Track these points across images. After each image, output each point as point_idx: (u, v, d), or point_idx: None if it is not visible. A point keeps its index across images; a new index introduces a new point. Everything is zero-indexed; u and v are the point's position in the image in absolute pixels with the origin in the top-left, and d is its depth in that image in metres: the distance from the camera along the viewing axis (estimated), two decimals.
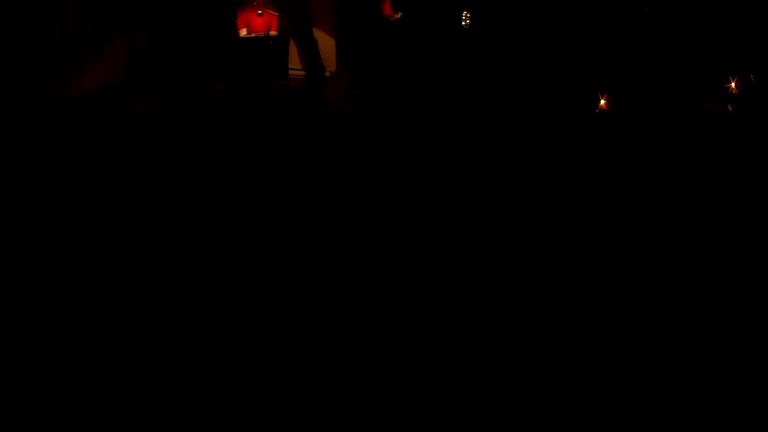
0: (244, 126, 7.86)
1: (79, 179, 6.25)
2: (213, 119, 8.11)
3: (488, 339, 3.92)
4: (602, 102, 8.07)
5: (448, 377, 3.54)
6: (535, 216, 5.75)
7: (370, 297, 4.35)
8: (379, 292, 4.40)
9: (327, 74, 9.66)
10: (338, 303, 4.21)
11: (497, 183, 6.36)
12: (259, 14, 9.25)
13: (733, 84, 7.63)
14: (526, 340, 3.93)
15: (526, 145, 7.34)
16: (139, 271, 4.58)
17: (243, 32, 9.28)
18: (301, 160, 6.85)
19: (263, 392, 3.41)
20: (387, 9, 10.17)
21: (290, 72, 9.54)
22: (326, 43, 9.84)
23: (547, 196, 6.18)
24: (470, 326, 4.04)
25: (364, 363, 3.65)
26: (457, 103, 8.68)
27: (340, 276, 4.57)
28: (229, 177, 6.38)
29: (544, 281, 4.68)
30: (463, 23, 9.89)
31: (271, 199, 5.93)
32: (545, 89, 8.93)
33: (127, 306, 4.17)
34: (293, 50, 9.73)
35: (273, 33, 9.41)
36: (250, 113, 8.34)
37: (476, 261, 4.95)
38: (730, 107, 7.73)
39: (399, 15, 10.19)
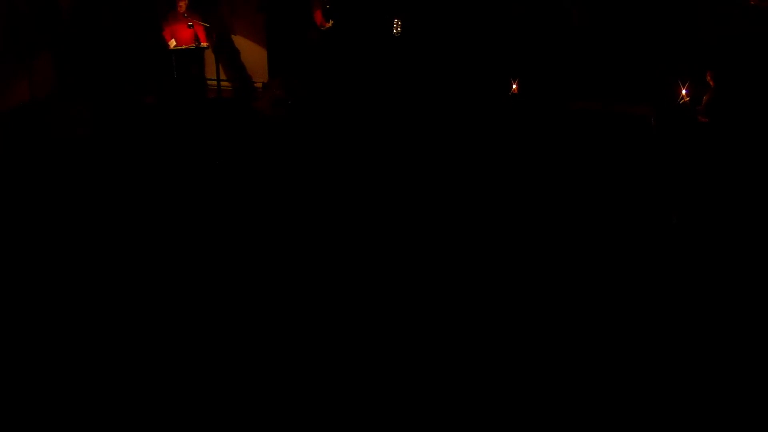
0: (176, 138, 8.59)
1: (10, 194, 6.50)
2: (145, 132, 8.76)
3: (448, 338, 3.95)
4: (514, 87, 9.74)
5: (447, 377, 3.53)
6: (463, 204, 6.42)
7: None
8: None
9: (259, 85, 10.29)
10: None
11: (432, 185, 6.86)
12: (190, 26, 9.39)
13: (684, 91, 7.88)
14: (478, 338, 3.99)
15: (456, 143, 8.21)
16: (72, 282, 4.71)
17: (172, 44, 9.53)
18: (234, 170, 7.30)
19: (263, 392, 3.40)
20: (318, 18, 9.93)
21: (222, 83, 10.12)
22: (258, 55, 10.15)
23: (478, 183, 7.01)
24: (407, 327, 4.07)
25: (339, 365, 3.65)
26: (390, 109, 9.45)
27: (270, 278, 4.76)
28: (165, 188, 6.67)
29: (454, 266, 5.10)
30: (395, 31, 9.95)
31: (204, 207, 6.21)
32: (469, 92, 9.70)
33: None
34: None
35: (204, 44, 9.65)
36: (182, 125, 9.08)
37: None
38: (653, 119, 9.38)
39: (330, 24, 10.02)
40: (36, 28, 9.08)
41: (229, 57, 9.74)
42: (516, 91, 8.53)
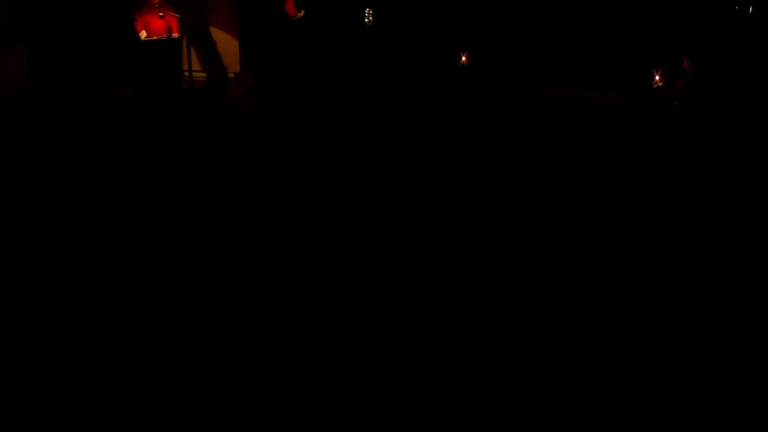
0: (152, 129, 8.49)
1: None
2: (119, 126, 8.63)
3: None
4: (463, 59, 9.78)
5: (447, 376, 3.52)
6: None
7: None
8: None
9: (231, 76, 10.33)
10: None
11: (405, 176, 6.79)
12: (161, 17, 9.41)
13: (657, 77, 7.98)
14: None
15: (431, 131, 8.20)
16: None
17: (143, 35, 9.54)
18: (208, 161, 7.19)
19: (263, 392, 3.40)
20: (290, 8, 9.97)
21: (194, 74, 10.16)
22: (230, 45, 10.19)
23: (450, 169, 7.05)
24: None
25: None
26: (362, 99, 9.47)
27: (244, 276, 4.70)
28: (145, 179, 6.60)
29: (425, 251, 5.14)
30: (366, 20, 10.00)
31: (182, 199, 6.15)
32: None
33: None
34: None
35: (175, 35, 9.67)
36: (157, 116, 9.01)
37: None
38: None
39: (302, 14, 10.06)
40: (8, 21, 9.05)
41: (203, 48, 9.76)
42: (465, 62, 8.61)
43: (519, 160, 7.33)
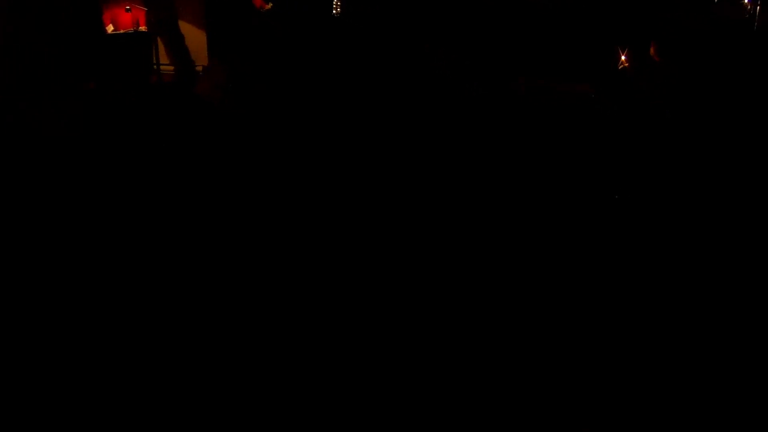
0: (118, 124, 8.28)
1: None
2: (87, 118, 8.51)
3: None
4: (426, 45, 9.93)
5: (446, 376, 3.50)
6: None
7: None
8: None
9: (199, 69, 10.29)
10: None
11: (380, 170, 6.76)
12: (128, 10, 9.36)
13: (623, 57, 8.03)
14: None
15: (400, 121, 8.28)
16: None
17: (110, 28, 9.48)
18: (178, 155, 7.12)
19: (262, 392, 3.38)
20: (257, 0, 10.02)
21: (162, 68, 10.11)
22: (198, 38, 10.16)
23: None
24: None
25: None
26: (330, 90, 9.43)
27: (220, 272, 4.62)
28: (111, 175, 6.43)
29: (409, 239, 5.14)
30: (334, 11, 10.08)
31: (151, 195, 6.04)
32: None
33: None
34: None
35: (142, 29, 9.63)
36: (124, 111, 8.82)
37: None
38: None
39: (270, 5, 10.10)
40: None
41: (170, 41, 9.71)
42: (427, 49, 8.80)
43: (488, 151, 7.43)
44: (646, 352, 3.82)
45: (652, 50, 8.04)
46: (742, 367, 3.73)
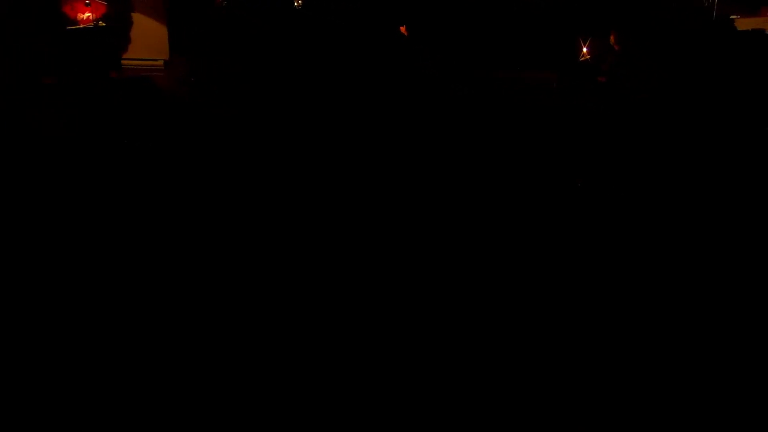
0: (79, 120, 8.20)
1: None
2: (45, 115, 8.34)
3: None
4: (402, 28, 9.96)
5: (447, 376, 3.49)
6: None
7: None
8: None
9: (161, 64, 10.26)
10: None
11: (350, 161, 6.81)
12: (87, 4, 9.31)
13: (585, 49, 8.40)
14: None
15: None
16: None
17: (84, 17, 9.40)
18: (143, 150, 7.10)
19: (262, 392, 3.37)
20: None
21: (123, 62, 10.06)
22: (159, 32, 10.13)
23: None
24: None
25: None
26: (293, 84, 9.44)
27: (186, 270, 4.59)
28: (74, 174, 6.35)
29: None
30: (296, 4, 10.07)
31: (116, 193, 5.96)
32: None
33: None
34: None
35: (101, 24, 9.59)
36: (85, 106, 8.69)
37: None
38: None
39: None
40: None
41: (132, 35, 9.68)
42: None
43: (461, 142, 7.46)
44: (641, 351, 3.83)
45: (612, 39, 8.11)
46: (740, 365, 3.72)
